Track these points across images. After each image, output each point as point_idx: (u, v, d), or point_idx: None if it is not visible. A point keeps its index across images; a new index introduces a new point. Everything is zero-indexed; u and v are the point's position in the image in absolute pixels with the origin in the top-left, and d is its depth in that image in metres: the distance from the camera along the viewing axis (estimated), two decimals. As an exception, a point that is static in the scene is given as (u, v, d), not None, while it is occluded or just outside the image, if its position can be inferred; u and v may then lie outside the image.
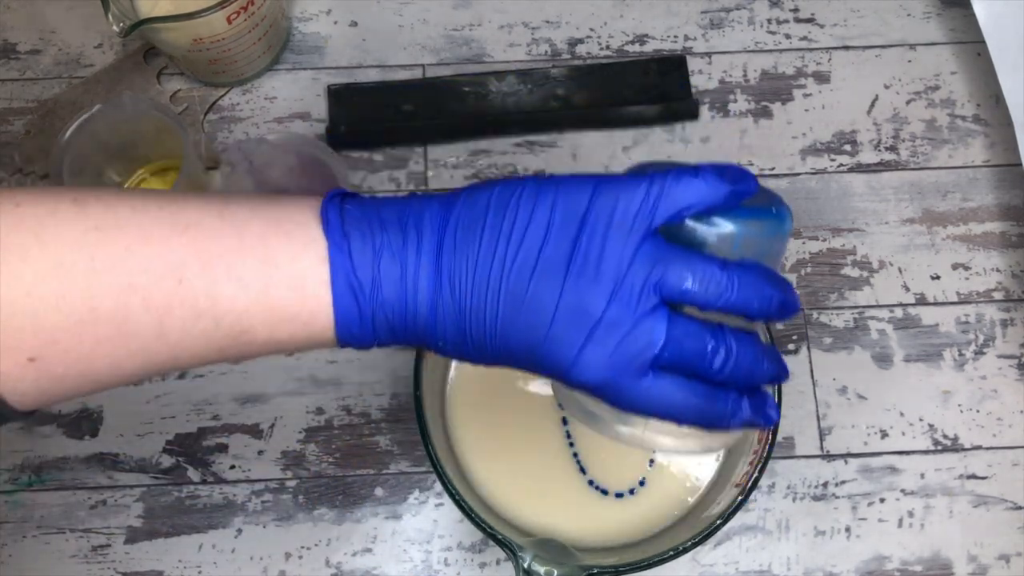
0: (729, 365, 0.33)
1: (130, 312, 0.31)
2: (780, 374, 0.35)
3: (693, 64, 0.63)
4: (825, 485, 0.55)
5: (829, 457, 0.56)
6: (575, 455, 0.51)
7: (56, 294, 0.30)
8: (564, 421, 0.51)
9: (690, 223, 0.33)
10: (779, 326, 0.58)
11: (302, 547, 0.54)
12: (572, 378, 0.33)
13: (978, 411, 0.57)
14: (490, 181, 0.34)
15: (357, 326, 0.33)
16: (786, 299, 0.34)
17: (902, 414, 0.56)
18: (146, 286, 0.31)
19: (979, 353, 0.58)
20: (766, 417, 0.35)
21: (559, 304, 0.32)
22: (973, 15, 0.59)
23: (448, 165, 0.61)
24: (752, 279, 0.33)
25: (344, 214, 0.33)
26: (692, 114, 0.62)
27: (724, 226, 0.33)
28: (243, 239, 0.32)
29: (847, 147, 0.62)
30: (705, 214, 0.33)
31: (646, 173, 0.33)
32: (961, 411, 0.57)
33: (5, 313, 0.29)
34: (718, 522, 0.44)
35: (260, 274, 0.32)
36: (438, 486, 0.54)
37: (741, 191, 0.33)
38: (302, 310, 0.32)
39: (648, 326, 0.32)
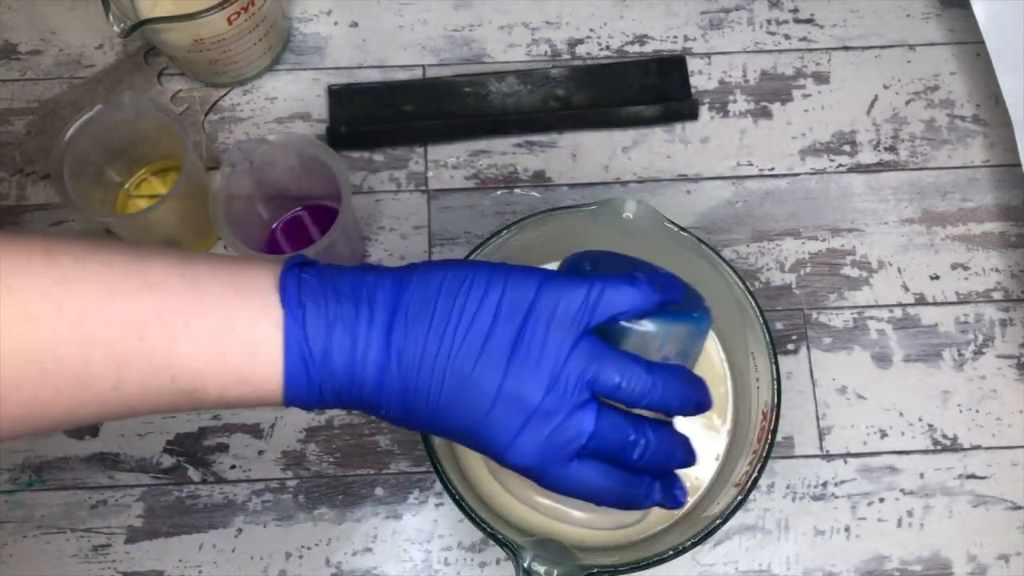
0: (647, 455, 0.36)
1: (91, 364, 0.32)
2: (689, 461, 0.38)
3: (693, 64, 0.63)
4: (824, 485, 0.55)
5: (828, 457, 0.56)
6: (575, 455, 0.51)
7: (22, 343, 0.31)
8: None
9: (622, 323, 0.36)
10: (778, 326, 0.58)
11: (302, 547, 0.54)
12: (506, 460, 0.35)
13: (977, 411, 0.57)
14: (443, 263, 0.36)
15: (304, 392, 0.35)
16: (701, 399, 0.37)
17: (901, 414, 0.57)
18: (108, 341, 0.32)
19: (978, 353, 0.58)
20: (674, 500, 0.38)
21: (500, 390, 0.34)
22: (972, 15, 0.59)
23: (448, 165, 0.61)
24: (674, 382, 0.36)
25: (301, 283, 0.35)
26: (692, 114, 0.62)
27: (651, 328, 0.37)
28: (204, 300, 0.33)
29: (846, 147, 0.62)
30: (636, 316, 0.36)
31: (584, 271, 0.36)
32: (960, 411, 0.57)
33: None
34: (718, 522, 0.44)
35: (217, 336, 0.33)
36: (438, 486, 0.55)
37: (669, 300, 0.37)
38: (254, 374, 0.34)
39: (579, 418, 0.35)
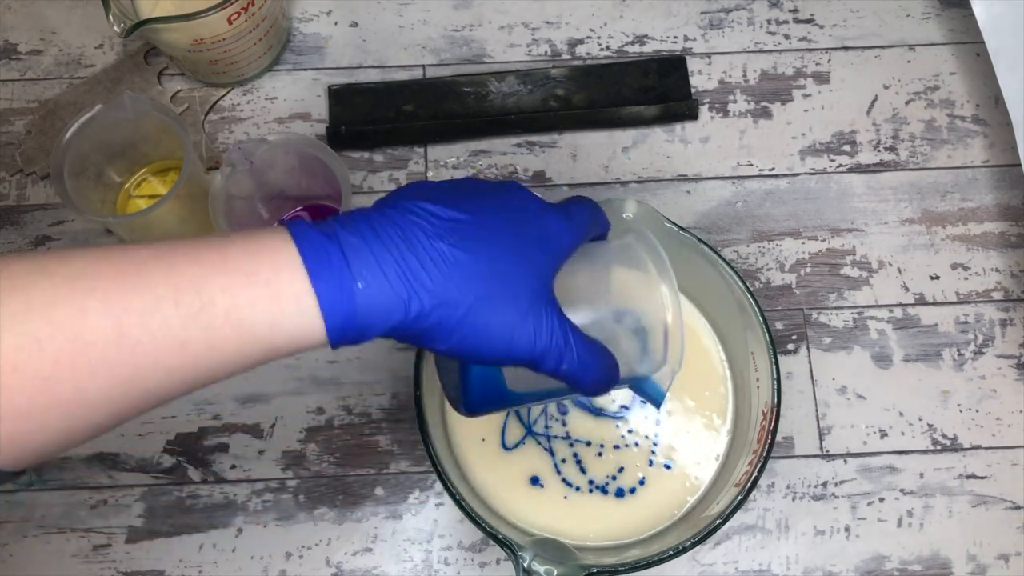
0: None
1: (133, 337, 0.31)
2: None
3: (693, 65, 0.63)
4: (824, 485, 0.55)
5: (828, 457, 0.56)
6: (575, 454, 0.51)
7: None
8: (564, 421, 0.52)
9: None
10: (778, 326, 0.58)
11: (302, 547, 0.54)
12: None
13: (977, 411, 0.57)
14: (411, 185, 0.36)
15: (349, 325, 0.33)
16: None
17: (901, 414, 0.57)
18: (143, 310, 0.31)
19: (978, 353, 0.58)
20: None
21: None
22: (972, 15, 0.59)
23: (448, 165, 0.61)
24: None
25: (310, 232, 0.34)
26: (692, 115, 0.62)
27: None
28: (226, 258, 0.32)
29: (846, 147, 0.62)
30: None
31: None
32: (960, 411, 0.57)
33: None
34: (717, 522, 0.44)
35: (246, 287, 0.32)
36: (438, 485, 0.55)
37: None
38: (286, 318, 0.33)
39: None
